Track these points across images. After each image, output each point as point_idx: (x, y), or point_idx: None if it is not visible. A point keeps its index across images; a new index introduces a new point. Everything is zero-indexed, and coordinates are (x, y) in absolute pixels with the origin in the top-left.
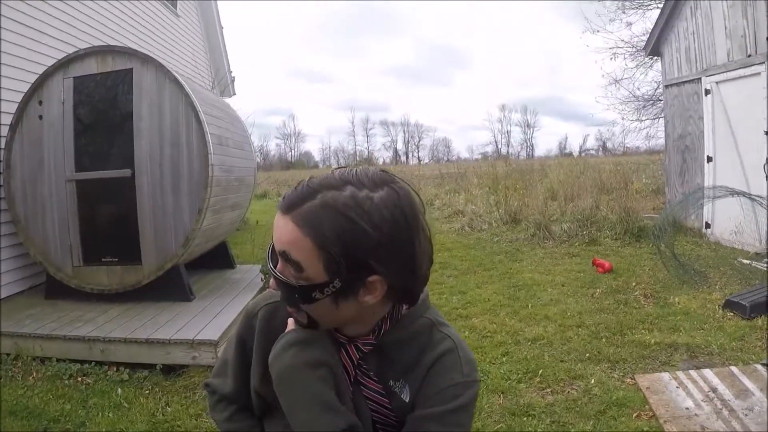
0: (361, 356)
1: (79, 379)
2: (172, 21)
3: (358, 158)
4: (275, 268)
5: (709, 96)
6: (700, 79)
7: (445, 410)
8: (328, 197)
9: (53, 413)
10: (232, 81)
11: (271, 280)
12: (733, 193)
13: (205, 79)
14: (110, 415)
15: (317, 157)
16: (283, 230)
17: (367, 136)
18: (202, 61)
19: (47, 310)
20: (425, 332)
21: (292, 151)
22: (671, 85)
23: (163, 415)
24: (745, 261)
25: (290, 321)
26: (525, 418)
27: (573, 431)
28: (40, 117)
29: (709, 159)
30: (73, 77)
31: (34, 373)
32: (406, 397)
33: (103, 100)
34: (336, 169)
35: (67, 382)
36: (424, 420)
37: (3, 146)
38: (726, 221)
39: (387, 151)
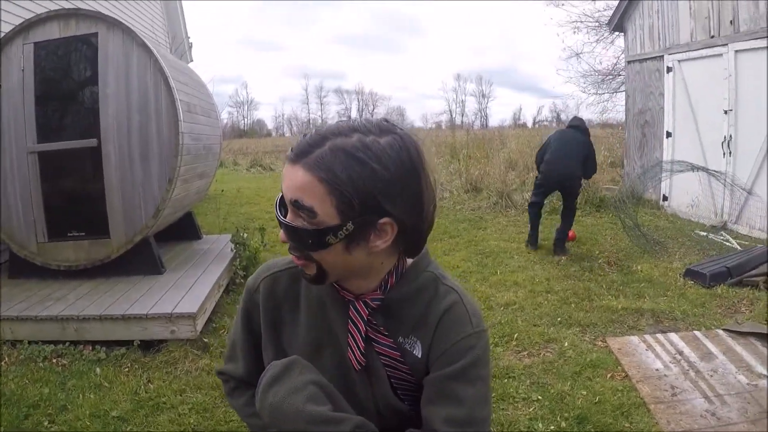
0: (370, 312)
1: (54, 360)
2: None
3: (312, 126)
4: (288, 221)
5: (670, 74)
6: (662, 56)
7: (464, 365)
8: (338, 142)
9: (32, 398)
10: (190, 47)
11: (281, 233)
12: (693, 168)
13: (163, 45)
14: (91, 396)
15: (270, 125)
16: (294, 178)
17: (321, 104)
18: (160, 25)
19: (13, 290)
20: (430, 286)
21: (245, 119)
22: (633, 61)
23: (146, 392)
24: (701, 233)
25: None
26: (506, 380)
27: (553, 391)
28: None
29: (669, 134)
30: (34, 43)
31: (6, 358)
32: (418, 352)
33: (67, 67)
34: (340, 120)
35: (41, 365)
36: (446, 379)
37: None
38: (683, 195)
39: (341, 119)
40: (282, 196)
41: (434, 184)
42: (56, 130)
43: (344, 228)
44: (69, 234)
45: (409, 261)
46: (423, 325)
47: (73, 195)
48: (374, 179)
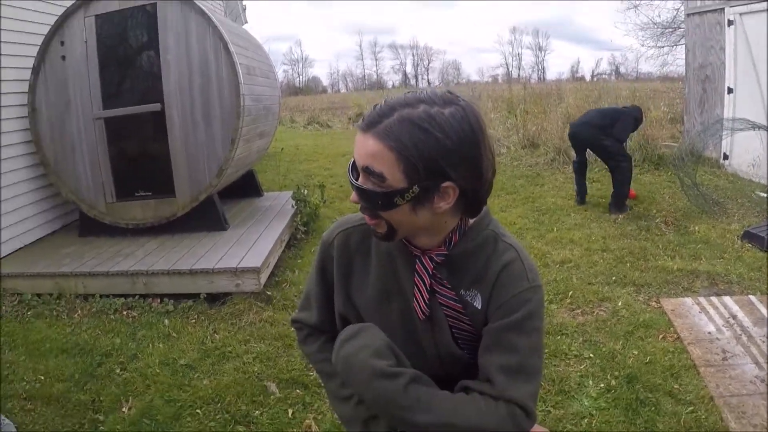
0: (435, 266)
1: (125, 313)
2: None
3: (366, 82)
4: (360, 183)
5: (731, 27)
6: (723, 9)
7: (520, 317)
8: (405, 113)
9: (104, 348)
10: (244, 9)
11: (353, 195)
12: (755, 126)
13: (217, 8)
14: (160, 345)
15: (326, 81)
16: (365, 146)
17: (376, 60)
18: None
19: (84, 247)
20: (490, 243)
21: (300, 77)
22: (693, 14)
23: (212, 342)
24: (762, 194)
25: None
26: (559, 337)
27: (604, 350)
28: (63, 57)
29: (730, 90)
30: (95, 15)
31: (79, 311)
32: (478, 304)
33: (128, 36)
34: (407, 92)
35: (113, 316)
36: (503, 330)
37: (27, 90)
38: (744, 153)
39: (396, 74)
40: (354, 162)
41: (493, 151)
42: (120, 97)
43: (410, 191)
44: (136, 194)
45: (472, 221)
46: (483, 278)
47: (138, 157)
48: (438, 147)
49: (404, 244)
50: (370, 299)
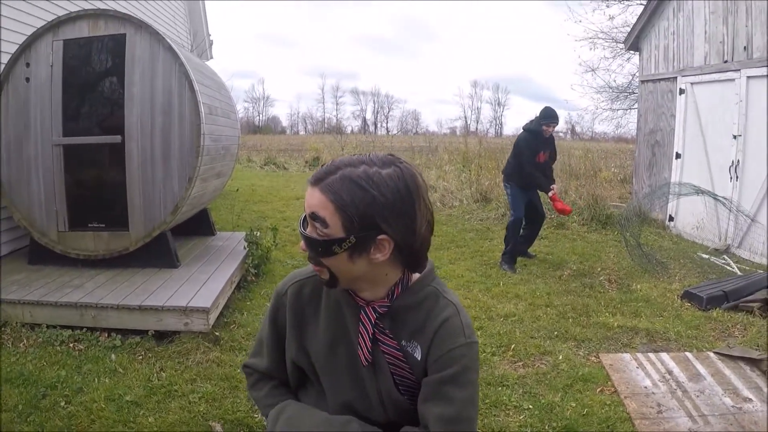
0: (378, 317)
1: (71, 345)
2: None
3: (326, 126)
4: (306, 232)
5: (683, 95)
6: (675, 78)
7: (456, 371)
8: (347, 172)
9: (49, 380)
10: (210, 44)
11: (301, 243)
12: (699, 191)
13: (184, 42)
14: (106, 380)
15: (285, 122)
16: (312, 197)
17: (337, 104)
18: (182, 23)
19: (33, 275)
20: (432, 298)
21: (260, 116)
22: (647, 81)
23: (158, 379)
24: (704, 255)
25: None
26: (500, 388)
27: (543, 401)
28: (27, 79)
29: (678, 155)
30: (63, 40)
31: (25, 340)
32: (418, 355)
33: (94, 65)
34: (354, 154)
35: (59, 348)
36: (440, 382)
37: None
38: (689, 216)
39: (356, 120)
40: (305, 215)
41: (430, 209)
42: (81, 125)
43: (347, 240)
44: (89, 225)
45: (416, 276)
46: (423, 331)
47: (94, 187)
48: (373, 203)
49: (350, 295)
50: (320, 346)
